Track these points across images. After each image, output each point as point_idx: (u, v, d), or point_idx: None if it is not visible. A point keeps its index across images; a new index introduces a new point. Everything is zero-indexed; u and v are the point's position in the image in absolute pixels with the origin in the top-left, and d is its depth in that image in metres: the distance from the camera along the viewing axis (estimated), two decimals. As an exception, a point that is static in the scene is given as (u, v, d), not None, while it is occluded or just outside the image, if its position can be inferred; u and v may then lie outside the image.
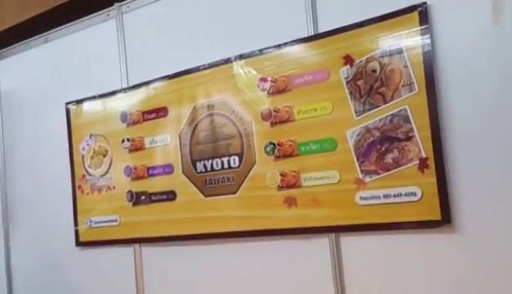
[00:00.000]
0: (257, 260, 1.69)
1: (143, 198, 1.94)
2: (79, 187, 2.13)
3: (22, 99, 2.38)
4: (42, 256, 2.28)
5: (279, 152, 1.62)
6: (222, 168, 1.75)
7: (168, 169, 1.88)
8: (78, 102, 2.15)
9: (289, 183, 1.60)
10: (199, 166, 1.80)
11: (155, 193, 1.91)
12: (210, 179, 1.77)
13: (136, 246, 1.98)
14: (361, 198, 1.48)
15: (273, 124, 1.64)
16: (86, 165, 2.12)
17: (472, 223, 1.32)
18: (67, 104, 2.18)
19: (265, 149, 1.65)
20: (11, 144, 2.42)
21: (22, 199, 2.37)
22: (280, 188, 1.62)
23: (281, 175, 1.62)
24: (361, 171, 1.47)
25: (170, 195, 1.87)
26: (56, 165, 2.22)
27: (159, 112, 1.90)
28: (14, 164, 2.41)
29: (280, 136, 1.62)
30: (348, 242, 1.52)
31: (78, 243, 2.14)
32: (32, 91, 2.35)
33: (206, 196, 1.78)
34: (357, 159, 1.48)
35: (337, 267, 1.52)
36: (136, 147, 1.96)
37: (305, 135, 1.57)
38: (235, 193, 1.71)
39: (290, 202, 1.60)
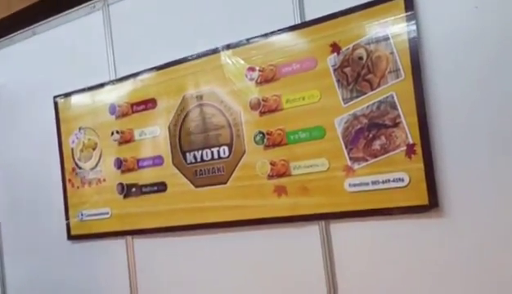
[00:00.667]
0: (248, 249, 1.70)
1: (134, 190, 1.94)
2: (69, 180, 2.13)
3: (10, 93, 2.36)
4: (33, 250, 2.28)
5: (268, 141, 1.63)
6: (212, 158, 1.75)
7: (158, 161, 1.87)
8: (67, 95, 2.14)
9: (278, 172, 1.61)
10: (189, 157, 1.80)
11: (146, 185, 1.91)
12: (200, 169, 1.78)
13: (129, 238, 1.99)
14: (350, 185, 1.49)
15: (262, 113, 1.64)
16: (76, 158, 2.11)
17: (459, 207, 1.34)
18: (55, 97, 2.17)
19: (254, 138, 1.66)
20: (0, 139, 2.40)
21: (12, 194, 2.36)
22: (269, 177, 1.62)
23: (271, 164, 1.62)
24: (350, 159, 1.48)
25: (161, 187, 1.87)
26: (45, 159, 2.21)
27: (148, 103, 1.90)
28: (3, 158, 2.39)
29: (269, 125, 1.62)
30: (338, 228, 1.53)
31: (70, 237, 2.14)
32: (19, 86, 2.33)
33: (197, 187, 1.79)
34: (346, 147, 1.49)
35: (327, 254, 1.54)
36: (126, 139, 1.96)
37: (294, 124, 1.58)
38: (225, 183, 1.72)
39: (280, 190, 1.60)
